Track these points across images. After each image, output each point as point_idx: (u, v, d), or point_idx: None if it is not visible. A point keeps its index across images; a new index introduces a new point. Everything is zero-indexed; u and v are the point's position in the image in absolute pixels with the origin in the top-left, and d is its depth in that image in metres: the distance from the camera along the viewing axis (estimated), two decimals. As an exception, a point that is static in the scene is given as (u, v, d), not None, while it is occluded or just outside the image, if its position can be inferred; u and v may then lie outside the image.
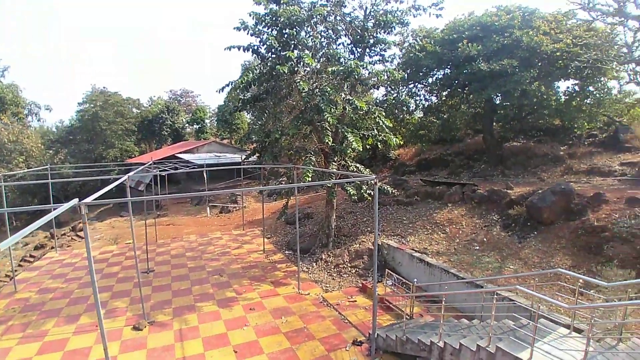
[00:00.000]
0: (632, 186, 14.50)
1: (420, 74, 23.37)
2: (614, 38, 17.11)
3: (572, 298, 8.02)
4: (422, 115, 25.38)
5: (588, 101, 19.90)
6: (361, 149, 13.86)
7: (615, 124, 20.15)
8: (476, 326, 8.56)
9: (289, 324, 11.16)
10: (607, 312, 8.22)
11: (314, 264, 15.82)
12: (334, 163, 15.24)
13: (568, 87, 21.01)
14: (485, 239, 13.46)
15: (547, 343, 6.69)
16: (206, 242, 20.74)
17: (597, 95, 19.92)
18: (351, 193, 15.02)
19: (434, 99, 25.33)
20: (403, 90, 24.26)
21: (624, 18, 16.28)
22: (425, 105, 24.99)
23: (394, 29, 16.82)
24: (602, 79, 19.44)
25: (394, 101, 21.62)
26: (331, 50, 15.53)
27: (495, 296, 7.81)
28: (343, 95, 14.48)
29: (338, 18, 16.41)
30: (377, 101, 21.42)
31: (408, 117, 25.78)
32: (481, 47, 19.47)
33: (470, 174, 21.54)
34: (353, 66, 13.79)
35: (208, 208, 30.56)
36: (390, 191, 16.02)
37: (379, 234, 16.04)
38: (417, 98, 25.05)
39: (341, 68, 14.01)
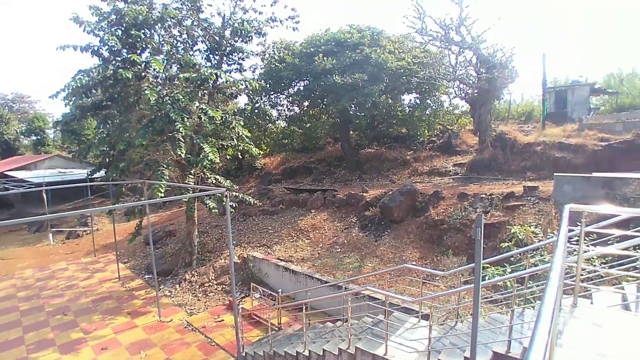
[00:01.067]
0: (462, 183, 16.79)
1: (282, 84, 23.77)
2: (442, 59, 19.80)
3: (418, 289, 8.65)
4: (286, 124, 25.83)
5: (427, 112, 22.76)
6: (218, 160, 13.16)
7: (448, 132, 23.33)
8: (339, 328, 8.63)
9: (149, 358, 9.82)
10: (446, 297, 9.06)
11: (177, 286, 14.47)
12: (190, 176, 14.21)
13: (411, 100, 23.79)
14: (346, 241, 14.01)
15: (400, 335, 7.01)
16: (47, 276, 17.35)
17: (434, 107, 22.96)
18: (211, 207, 14.20)
19: (296, 109, 26.04)
20: (265, 100, 24.33)
21: (448, 43, 19.07)
22: (289, 115, 25.51)
23: (252, 38, 16.69)
24: (437, 93, 22.47)
25: (256, 110, 21.45)
26: (185, 57, 14.59)
27: (352, 297, 7.96)
28: (197, 104, 13.64)
29: (195, 23, 15.56)
30: (236, 110, 20.99)
31: (272, 126, 26.01)
32: (336, 61, 20.65)
33: (332, 179, 22.55)
34: (207, 73, 13.13)
35: (51, 235, 25.89)
36: (252, 202, 15.63)
37: (244, 246, 15.52)
38: (280, 108, 25.45)
39: (194, 75, 13.22)
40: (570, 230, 4.19)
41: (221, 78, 14.47)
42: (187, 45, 16.02)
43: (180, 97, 12.93)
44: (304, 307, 8.23)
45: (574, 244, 4.87)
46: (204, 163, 13.02)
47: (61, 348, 10.51)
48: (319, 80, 21.34)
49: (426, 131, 23.02)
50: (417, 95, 23.45)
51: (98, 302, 13.75)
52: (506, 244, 8.62)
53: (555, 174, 12.10)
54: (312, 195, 17.74)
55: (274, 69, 22.52)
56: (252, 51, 17.60)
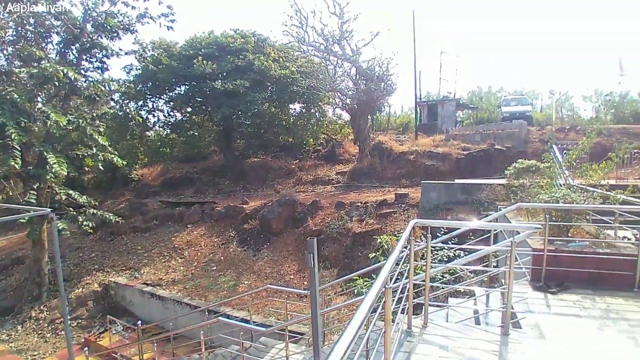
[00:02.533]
0: (343, 191, 17.09)
1: (161, 88, 21.91)
2: (324, 70, 20.06)
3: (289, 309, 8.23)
4: (168, 131, 23.88)
5: (312, 122, 23.01)
6: (65, 172, 11.19)
7: (332, 141, 23.85)
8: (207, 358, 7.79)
9: None
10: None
11: (20, 327, 12.00)
12: (32, 192, 11.98)
13: (295, 109, 23.86)
14: (222, 258, 13.13)
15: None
16: None
17: (318, 116, 23.32)
18: (60, 228, 12.11)
19: (178, 115, 24.26)
20: (141, 104, 22.19)
21: (328, 54, 19.46)
22: (169, 122, 23.61)
23: (119, 35, 14.88)
24: (320, 103, 22.85)
25: (123, 115, 19.32)
26: (27, 48, 12.34)
27: (218, 321, 7.22)
28: (40, 106, 11.58)
29: (48, 10, 13.21)
30: (95, 115, 18.74)
31: (150, 134, 23.85)
32: (216, 66, 19.66)
33: (215, 190, 21.37)
34: (50, 70, 11.18)
35: None
36: (113, 220, 13.76)
37: (107, 271, 13.62)
38: (160, 113, 23.47)
39: (35, 71, 11.18)
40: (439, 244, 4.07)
41: (75, 77, 12.47)
42: (38, 35, 13.67)
43: (16, 96, 10.82)
44: (171, 338, 7.24)
45: (421, 261, 4.83)
46: (48, 176, 11.02)
47: None
48: (199, 85, 20.15)
49: (311, 140, 23.26)
50: (302, 104, 23.61)
51: None
52: (373, 254, 8.69)
53: (422, 181, 12.90)
54: (190, 209, 16.43)
55: (150, 70, 20.64)
56: (120, 49, 15.68)
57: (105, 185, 24.25)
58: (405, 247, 3.80)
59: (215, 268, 12.67)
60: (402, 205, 12.48)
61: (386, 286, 2.46)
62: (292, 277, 11.34)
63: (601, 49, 70.19)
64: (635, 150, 11.14)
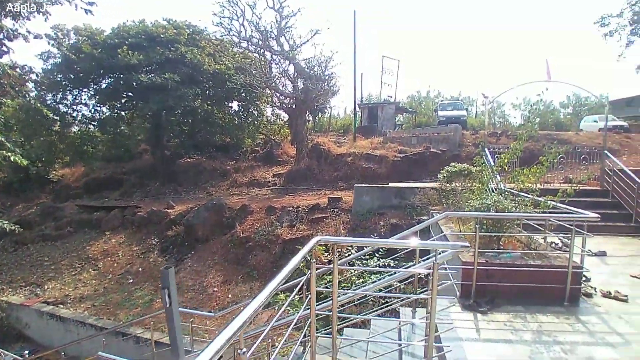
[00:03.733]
0: (278, 194, 16.41)
1: (87, 79, 19.90)
2: (261, 67, 19.14)
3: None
4: (93, 128, 21.80)
5: (249, 121, 22.05)
6: None
7: (270, 142, 23.03)
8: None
9: None
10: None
11: None
12: None
13: (232, 108, 22.77)
14: (141, 269, 11.96)
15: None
16: None
17: (256, 115, 22.42)
18: None
19: (106, 110, 22.20)
20: (59, 96, 20.04)
21: (266, 50, 18.65)
22: (95, 117, 21.50)
23: (25, 16, 13.08)
24: (258, 102, 21.97)
25: (36, 108, 17.27)
26: None
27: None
28: None
29: None
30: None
31: (73, 130, 21.64)
32: (143, 57, 18.16)
33: (143, 193, 19.82)
34: None
35: None
36: (8, 228, 11.92)
37: (2, 288, 11.92)
38: (85, 108, 21.35)
39: None
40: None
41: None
42: None
43: None
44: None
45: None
46: None
47: None
48: (125, 78, 18.52)
49: (248, 140, 22.34)
50: (240, 103, 22.59)
51: None
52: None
53: (355, 185, 12.47)
54: (109, 214, 14.94)
55: (70, 60, 18.68)
56: (29, 32, 13.82)
57: (16, 187, 21.71)
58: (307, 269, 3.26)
59: (131, 281, 11.48)
60: (335, 210, 12.03)
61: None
62: (215, 289, 10.48)
63: (531, 53, 75.15)
64: (560, 156, 11.48)
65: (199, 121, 20.23)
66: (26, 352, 7.87)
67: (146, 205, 15.72)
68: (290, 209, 12.44)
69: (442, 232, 6.19)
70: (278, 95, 19.06)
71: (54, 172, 22.85)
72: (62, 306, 10.44)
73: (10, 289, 11.81)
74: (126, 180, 21.59)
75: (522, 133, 6.41)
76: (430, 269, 3.15)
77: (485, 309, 4.27)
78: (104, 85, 20.82)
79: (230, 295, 10.18)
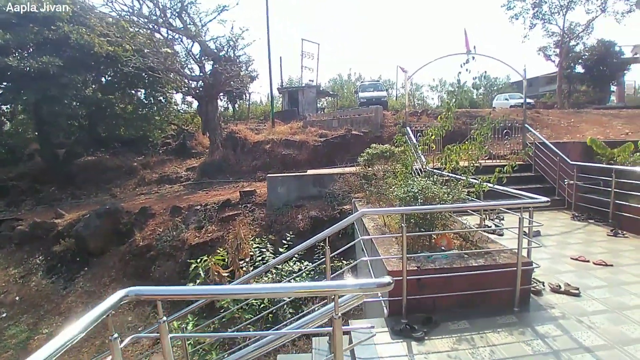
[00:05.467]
0: (191, 190, 14.84)
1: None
2: (162, 47, 16.94)
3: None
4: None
5: (154, 110, 19.80)
6: None
7: (183, 133, 21.05)
8: None
9: None
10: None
11: None
12: None
13: (137, 96, 20.29)
14: (18, 297, 9.93)
15: None
16: None
17: (164, 102, 20.19)
18: None
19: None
20: None
21: (168, 29, 16.57)
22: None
23: None
24: (165, 88, 19.71)
25: None
26: None
27: None
28: None
29: None
30: None
31: None
32: (12, 37, 15.21)
33: (35, 201, 17.02)
34: None
35: None
36: None
37: None
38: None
39: None
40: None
41: None
42: None
43: None
44: None
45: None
46: None
47: None
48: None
49: (157, 133, 20.17)
50: (145, 90, 20.19)
51: None
52: (192, 283, 6.86)
53: (268, 175, 11.33)
54: (-21, 232, 12.43)
55: None
56: None
57: None
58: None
59: (4, 315, 9.45)
60: (248, 205, 10.83)
61: None
62: (120, 310, 8.88)
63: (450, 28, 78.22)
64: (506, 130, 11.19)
65: (95, 113, 17.64)
66: None
67: (32, 217, 13.31)
68: (198, 207, 11.04)
69: (365, 229, 5.32)
70: (185, 79, 17.13)
71: None
72: None
73: None
74: (12, 187, 18.44)
75: (450, 101, 5.55)
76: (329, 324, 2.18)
77: (421, 333, 3.33)
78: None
79: (130, 318, 8.70)
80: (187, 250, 9.69)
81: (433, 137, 5.53)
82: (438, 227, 4.41)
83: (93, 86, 17.38)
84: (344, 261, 7.23)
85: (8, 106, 19.59)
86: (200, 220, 10.50)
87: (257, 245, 8.37)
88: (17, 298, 9.92)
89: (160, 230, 10.52)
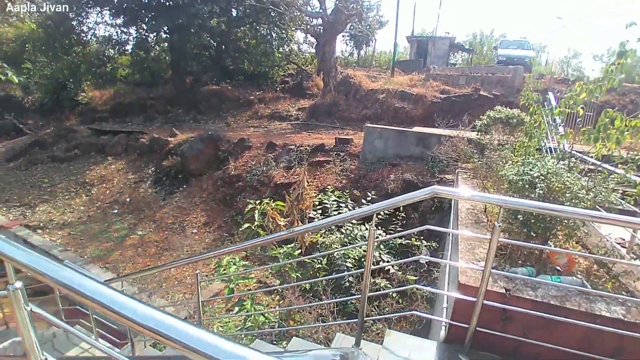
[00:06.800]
0: (296, 130, 14.72)
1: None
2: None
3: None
4: (113, 51, 20.97)
5: (277, 46, 19.88)
6: None
7: (302, 73, 20.89)
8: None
9: None
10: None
11: None
12: None
13: (260, 31, 20.54)
14: (129, 199, 11.13)
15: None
16: None
17: (285, 39, 20.12)
18: None
19: (132, 31, 21.06)
20: (77, 14, 18.97)
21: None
22: (120, 40, 20.49)
23: None
24: (287, 25, 19.50)
25: (54, 25, 16.35)
26: None
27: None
28: None
29: None
30: None
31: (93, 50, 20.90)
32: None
33: (164, 119, 18.95)
34: None
35: None
36: None
37: (-1, 206, 11.70)
38: (104, 27, 20.39)
39: None
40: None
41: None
42: None
43: None
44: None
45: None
46: None
47: None
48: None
49: (277, 70, 20.37)
50: (268, 25, 20.26)
51: None
52: (247, 224, 6.50)
53: (366, 124, 10.34)
54: (114, 139, 14.19)
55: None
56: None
57: (48, 109, 21.76)
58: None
59: (116, 211, 10.71)
60: (341, 154, 10.12)
61: None
62: (195, 231, 9.38)
63: None
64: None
65: (222, 45, 18.39)
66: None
67: (157, 132, 14.72)
68: (292, 147, 10.73)
69: (457, 211, 4.12)
70: (305, 16, 16.59)
71: (83, 94, 22.55)
72: (40, 231, 9.91)
73: (5, 208, 11.54)
74: (150, 106, 20.80)
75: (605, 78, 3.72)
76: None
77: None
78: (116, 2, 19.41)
79: (207, 240, 9.03)
80: (272, 188, 9.56)
81: (584, 96, 3.84)
82: (559, 236, 2.89)
83: (221, 19, 17.89)
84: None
85: (153, 35, 21.63)
86: (290, 161, 10.22)
87: (336, 198, 7.70)
88: (127, 199, 11.14)
89: (253, 163, 10.56)
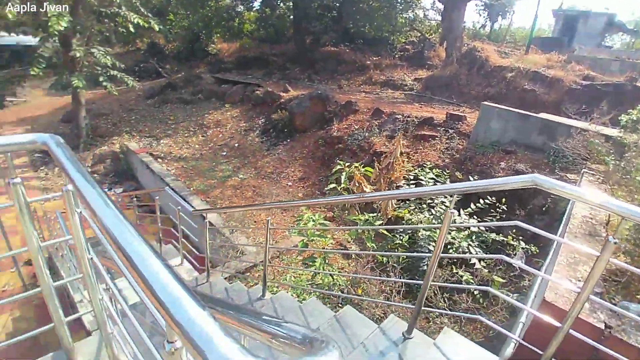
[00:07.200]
0: (408, 101, 14.00)
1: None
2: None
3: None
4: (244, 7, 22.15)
5: (400, 10, 18.88)
6: (65, 25, 10.02)
7: (425, 41, 19.63)
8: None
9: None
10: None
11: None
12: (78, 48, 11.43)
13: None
14: (237, 144, 11.84)
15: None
16: None
17: (409, 3, 19.00)
18: (106, 86, 11.98)
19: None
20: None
21: None
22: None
23: None
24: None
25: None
26: None
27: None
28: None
29: None
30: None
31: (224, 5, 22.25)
32: None
33: (281, 75, 19.57)
34: None
35: None
36: (130, 84, 12.73)
37: (133, 135, 13.42)
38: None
39: None
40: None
41: None
42: None
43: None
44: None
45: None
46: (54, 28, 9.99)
47: None
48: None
49: (398, 36, 19.44)
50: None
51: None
52: (333, 184, 6.29)
53: (483, 102, 9.26)
54: (233, 88, 15.11)
55: None
56: None
57: (183, 56, 24.03)
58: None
59: (225, 153, 11.49)
60: (450, 131, 9.29)
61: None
62: (289, 184, 9.60)
63: None
64: None
65: (344, 7, 18.06)
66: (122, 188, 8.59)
67: (271, 87, 15.29)
68: (399, 117, 10.20)
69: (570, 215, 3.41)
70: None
71: (212, 45, 24.35)
72: (160, 160, 11.10)
73: (137, 137, 13.19)
74: (271, 61, 21.65)
75: None
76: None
77: None
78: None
79: (301, 194, 9.20)
80: (370, 155, 9.26)
81: None
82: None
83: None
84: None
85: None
86: (394, 130, 9.75)
87: (434, 176, 7.12)
88: (236, 145, 11.86)
89: (356, 127, 10.33)
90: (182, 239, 4.84)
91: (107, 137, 13.85)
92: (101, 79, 12.10)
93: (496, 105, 9.04)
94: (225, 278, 4.70)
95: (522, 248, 5.59)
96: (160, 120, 14.32)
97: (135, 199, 9.29)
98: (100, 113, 15.89)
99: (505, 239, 5.61)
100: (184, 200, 8.56)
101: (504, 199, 6.17)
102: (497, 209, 6.05)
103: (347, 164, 6.21)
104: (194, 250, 5.07)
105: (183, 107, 15.48)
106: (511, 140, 8.55)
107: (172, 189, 9.12)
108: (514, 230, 5.78)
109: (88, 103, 15.14)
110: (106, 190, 9.95)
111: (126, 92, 17.41)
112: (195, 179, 9.98)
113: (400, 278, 4.66)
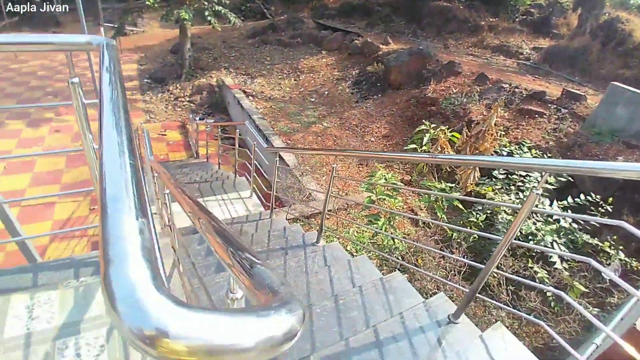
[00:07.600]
0: (519, 72, 12.49)
1: None
2: None
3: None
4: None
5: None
6: None
7: (556, 6, 17.05)
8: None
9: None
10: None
11: (160, 95, 13.71)
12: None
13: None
14: (327, 92, 11.65)
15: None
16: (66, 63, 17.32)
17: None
18: (210, 21, 12.44)
19: None
20: None
21: None
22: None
23: None
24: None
25: None
26: None
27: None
28: None
29: None
30: None
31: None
32: None
33: (384, 27, 18.57)
34: None
35: (102, 29, 25.85)
36: (233, 21, 12.92)
37: (230, 71, 13.86)
38: None
39: None
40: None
41: None
42: None
43: None
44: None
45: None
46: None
47: (31, 122, 10.36)
48: None
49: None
50: None
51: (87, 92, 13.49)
52: (412, 145, 5.80)
53: (612, 82, 7.81)
54: (332, 35, 14.70)
55: None
56: None
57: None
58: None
59: (313, 100, 11.40)
60: (562, 111, 8.08)
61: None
62: (372, 139, 9.26)
63: None
64: None
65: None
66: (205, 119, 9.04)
67: (371, 37, 14.61)
68: (506, 86, 9.12)
69: None
70: None
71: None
72: (250, 98, 11.36)
73: (234, 73, 13.60)
74: (376, 11, 20.58)
75: None
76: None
77: None
78: None
79: (385, 150, 8.86)
80: (464, 123, 8.47)
81: None
82: None
83: None
84: None
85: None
86: (496, 100, 8.75)
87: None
88: (326, 92, 11.68)
89: (455, 91, 9.48)
90: (254, 174, 4.89)
91: (207, 70, 14.48)
92: (206, 13, 12.46)
93: (629, 87, 7.61)
94: (289, 220, 4.70)
95: (620, 259, 4.78)
96: (257, 60, 14.55)
97: (221, 130, 9.74)
98: (203, 47, 16.60)
99: (601, 244, 4.84)
100: (266, 139, 8.72)
101: (610, 198, 5.29)
102: (600, 209, 5.22)
103: (432, 126, 5.72)
104: (264, 187, 5.13)
105: (281, 49, 15.53)
106: (636, 129, 7.23)
107: (257, 126, 9.32)
108: (615, 237, 4.97)
109: (194, 37, 15.87)
110: (198, 119, 10.54)
111: (230, 30, 17.91)
112: (280, 120, 10.09)
113: (464, 258, 4.28)
